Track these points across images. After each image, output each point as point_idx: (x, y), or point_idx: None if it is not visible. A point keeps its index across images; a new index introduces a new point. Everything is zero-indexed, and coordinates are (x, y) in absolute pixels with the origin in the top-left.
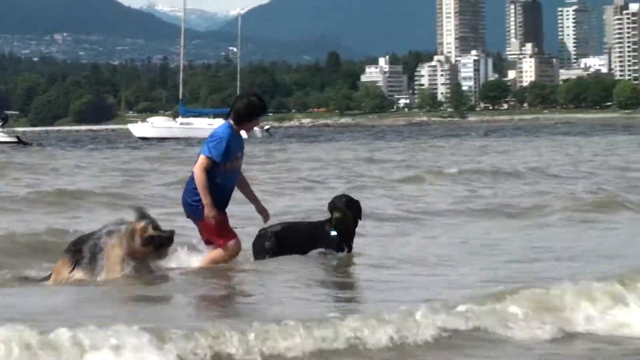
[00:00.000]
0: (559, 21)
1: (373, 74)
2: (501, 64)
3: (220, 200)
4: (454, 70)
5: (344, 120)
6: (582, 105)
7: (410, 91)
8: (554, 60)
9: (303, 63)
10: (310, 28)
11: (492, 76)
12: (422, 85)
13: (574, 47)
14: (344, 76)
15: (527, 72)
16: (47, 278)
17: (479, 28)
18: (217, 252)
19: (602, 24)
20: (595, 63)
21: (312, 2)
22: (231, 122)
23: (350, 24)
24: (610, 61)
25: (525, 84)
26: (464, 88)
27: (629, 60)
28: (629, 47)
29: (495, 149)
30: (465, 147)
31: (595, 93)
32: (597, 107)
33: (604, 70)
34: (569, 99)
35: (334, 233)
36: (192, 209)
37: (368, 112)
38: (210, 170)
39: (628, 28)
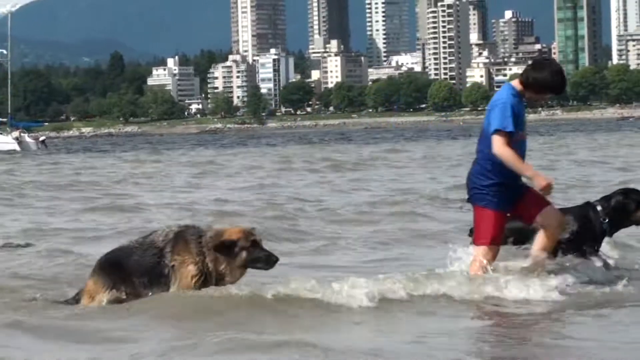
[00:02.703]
0: (367, 15)
1: (161, 77)
2: (304, 64)
3: (511, 182)
4: (251, 72)
5: (129, 128)
6: (393, 108)
7: (203, 95)
8: (362, 58)
9: (83, 66)
10: (91, 27)
11: (294, 77)
12: (216, 88)
13: (384, 43)
14: (128, 80)
15: (332, 72)
16: (75, 300)
17: (279, 24)
18: (475, 259)
19: (415, 17)
20: (407, 61)
21: None
22: (517, 84)
23: (135, 22)
24: (424, 59)
25: (330, 85)
26: (263, 91)
27: (444, 58)
28: (444, 42)
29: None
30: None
31: (408, 94)
32: (410, 109)
33: (417, 68)
34: (380, 102)
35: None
36: (476, 192)
37: (156, 119)
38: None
39: (443, 22)
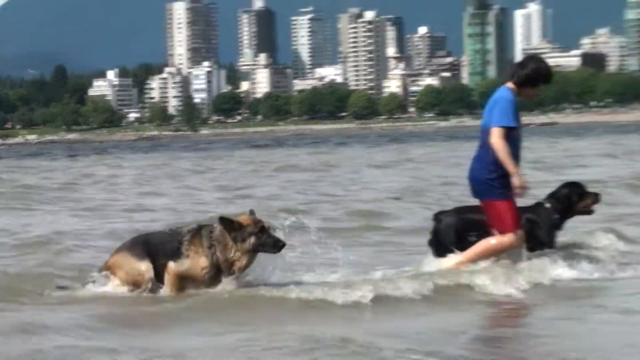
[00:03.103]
0: (293, 30)
1: (102, 88)
2: (234, 75)
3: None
4: (185, 83)
5: (71, 136)
6: (316, 117)
7: (141, 105)
8: (288, 70)
9: (28, 78)
10: (36, 41)
11: (225, 88)
12: (153, 98)
13: (309, 56)
14: (71, 91)
15: (261, 83)
16: (91, 280)
17: (212, 38)
18: (490, 242)
19: (337, 32)
20: (330, 73)
21: (37, 14)
22: (511, 85)
23: (78, 37)
24: (345, 71)
25: (259, 95)
26: (196, 100)
27: (364, 70)
28: (364, 56)
29: None
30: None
31: (330, 103)
32: (333, 117)
33: (339, 80)
34: (304, 110)
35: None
36: (485, 188)
37: (96, 127)
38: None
39: (363, 37)
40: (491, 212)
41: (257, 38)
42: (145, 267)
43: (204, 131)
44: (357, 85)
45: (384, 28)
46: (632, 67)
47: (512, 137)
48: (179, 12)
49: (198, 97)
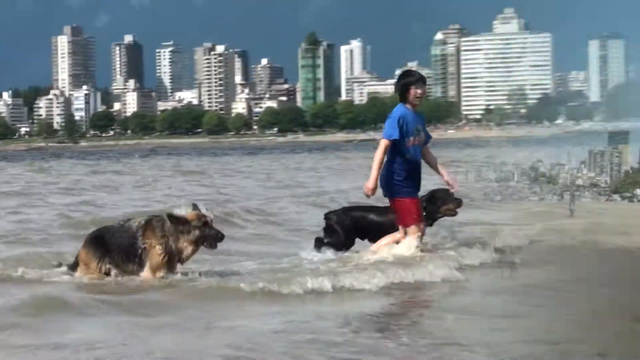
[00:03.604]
0: (157, 60)
1: None
2: (108, 98)
3: (415, 175)
4: (67, 103)
5: None
6: (176, 132)
7: (31, 121)
8: (153, 93)
9: None
10: None
11: (101, 108)
12: (41, 115)
13: (170, 82)
14: None
15: (130, 104)
16: (74, 267)
17: (90, 66)
18: (395, 237)
19: (194, 62)
20: (188, 96)
21: None
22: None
23: None
24: (200, 94)
25: (128, 114)
26: (77, 118)
27: (216, 94)
28: (216, 82)
29: None
30: None
31: (187, 122)
32: (190, 133)
33: (195, 102)
34: (166, 127)
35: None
36: (394, 188)
37: None
38: (399, 146)
39: (215, 66)
40: (398, 208)
41: (127, 66)
42: (100, 268)
43: (83, 143)
44: (210, 106)
45: (233, 59)
46: (436, 94)
47: (413, 146)
48: (63, 44)
49: (78, 115)
